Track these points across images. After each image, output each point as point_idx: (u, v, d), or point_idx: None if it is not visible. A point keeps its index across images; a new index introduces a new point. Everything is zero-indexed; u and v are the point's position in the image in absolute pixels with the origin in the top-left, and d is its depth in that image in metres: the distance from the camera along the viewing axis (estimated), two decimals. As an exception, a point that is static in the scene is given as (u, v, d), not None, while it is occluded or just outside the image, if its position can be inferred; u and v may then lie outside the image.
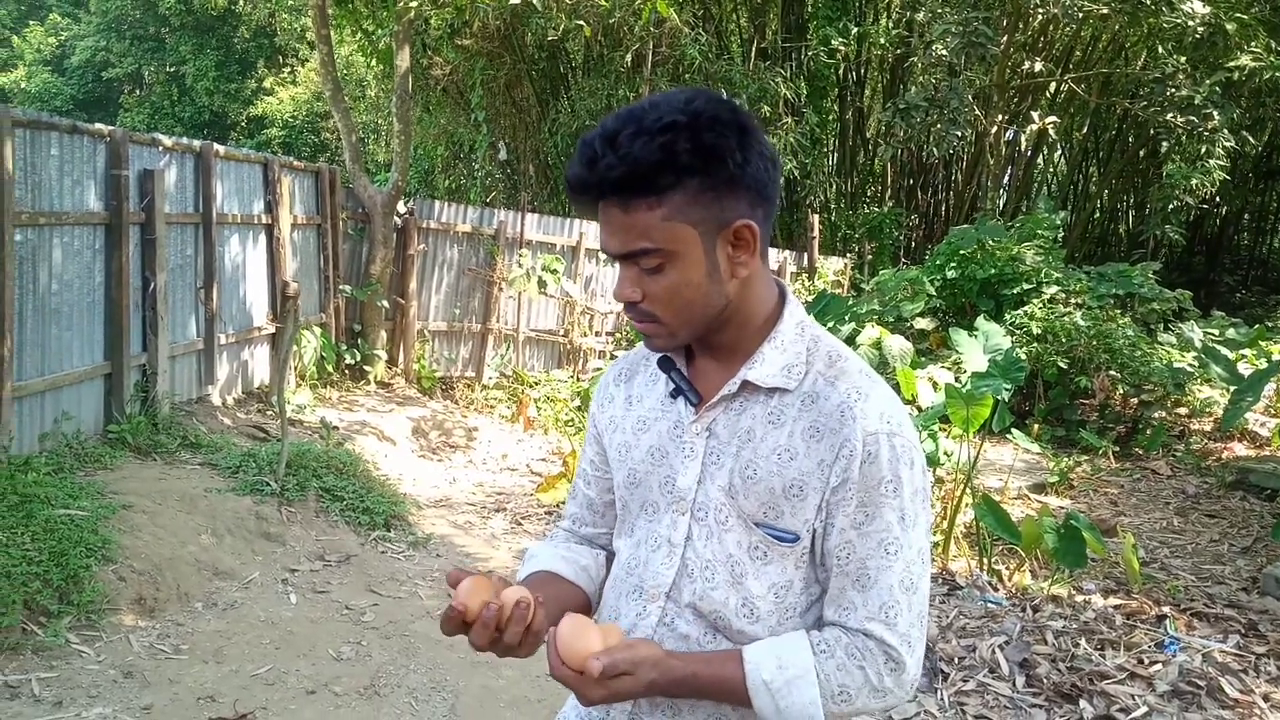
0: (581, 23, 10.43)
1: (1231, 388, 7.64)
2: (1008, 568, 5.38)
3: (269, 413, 7.96)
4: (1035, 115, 13.44)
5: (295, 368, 8.74)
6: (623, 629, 1.33)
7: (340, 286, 9.69)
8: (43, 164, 5.66)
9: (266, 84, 26.03)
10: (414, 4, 9.27)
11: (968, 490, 5.47)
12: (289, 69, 26.47)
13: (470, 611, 1.23)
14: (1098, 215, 18.74)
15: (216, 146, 7.59)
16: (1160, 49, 13.08)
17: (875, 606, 1.27)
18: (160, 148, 6.84)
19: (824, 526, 1.29)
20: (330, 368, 9.35)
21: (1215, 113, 12.16)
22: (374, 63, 15.84)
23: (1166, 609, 4.66)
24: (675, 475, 1.36)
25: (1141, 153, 16.76)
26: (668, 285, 1.25)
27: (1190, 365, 9.17)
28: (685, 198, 1.21)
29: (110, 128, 6.34)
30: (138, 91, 28.33)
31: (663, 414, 1.39)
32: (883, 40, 14.90)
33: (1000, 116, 14.26)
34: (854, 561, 1.28)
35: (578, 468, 1.57)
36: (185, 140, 7.33)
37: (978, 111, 13.12)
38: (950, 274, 10.56)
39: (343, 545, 5.57)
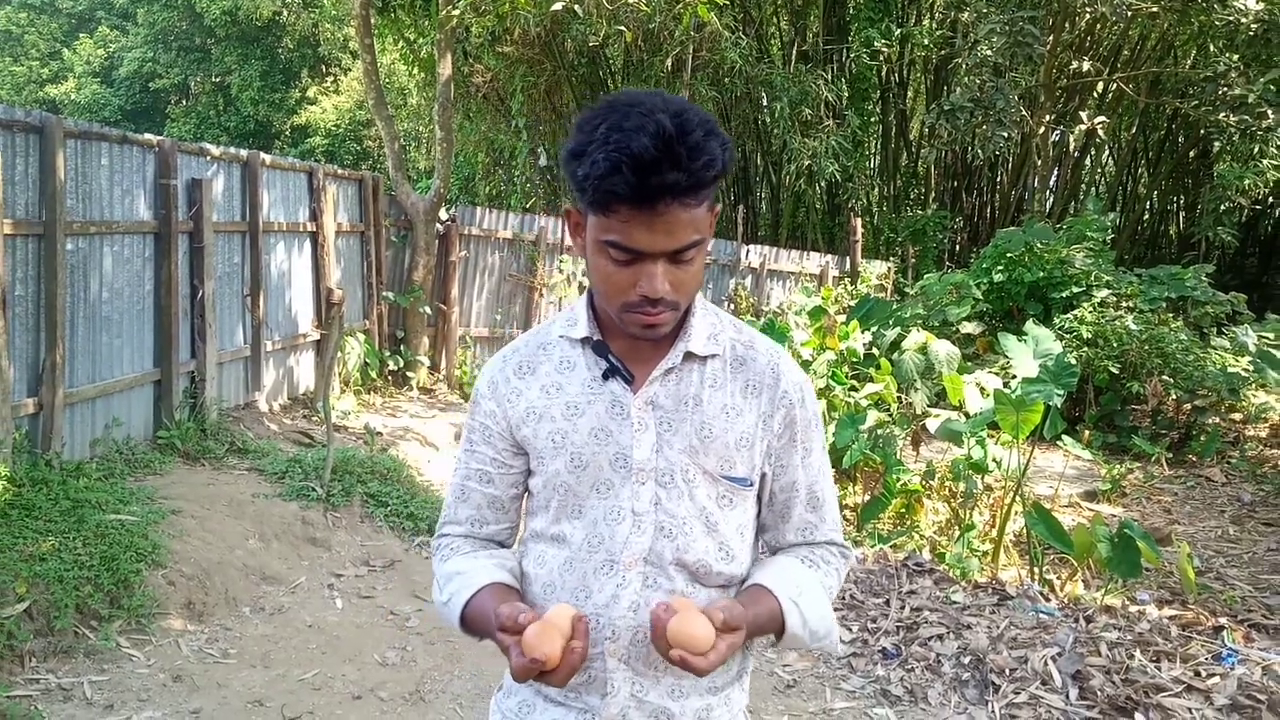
0: (622, 28, 10.43)
1: (1289, 393, 7.46)
2: (1059, 577, 5.28)
3: (314, 418, 8.04)
4: (1083, 115, 13.24)
5: (339, 374, 8.81)
6: (602, 602, 1.39)
7: (383, 293, 9.76)
8: (93, 174, 5.75)
9: (310, 93, 26.37)
10: (456, 12, 9.33)
11: (1018, 498, 5.38)
12: (332, 78, 26.80)
13: (551, 660, 1.24)
14: (1148, 217, 18.42)
15: (263, 155, 7.68)
16: (1211, 47, 12.82)
17: (831, 520, 1.54)
18: (208, 157, 6.93)
19: (773, 469, 1.48)
20: (374, 374, 9.42)
21: (1269, 111, 11.89)
22: (416, 71, 16.00)
23: (1223, 620, 4.54)
24: (628, 450, 1.40)
25: (1192, 153, 16.45)
26: (695, 270, 1.34)
27: (1245, 370, 8.97)
28: (712, 189, 1.31)
29: (159, 138, 6.43)
30: (184, 102, 28.81)
31: (595, 396, 1.42)
32: (926, 41, 14.75)
33: (1047, 117, 14.06)
34: (805, 489, 1.50)
35: (462, 473, 1.55)
36: (232, 150, 7.41)
37: (1024, 112, 12.93)
38: (997, 277, 10.42)
39: (387, 551, 5.60)
